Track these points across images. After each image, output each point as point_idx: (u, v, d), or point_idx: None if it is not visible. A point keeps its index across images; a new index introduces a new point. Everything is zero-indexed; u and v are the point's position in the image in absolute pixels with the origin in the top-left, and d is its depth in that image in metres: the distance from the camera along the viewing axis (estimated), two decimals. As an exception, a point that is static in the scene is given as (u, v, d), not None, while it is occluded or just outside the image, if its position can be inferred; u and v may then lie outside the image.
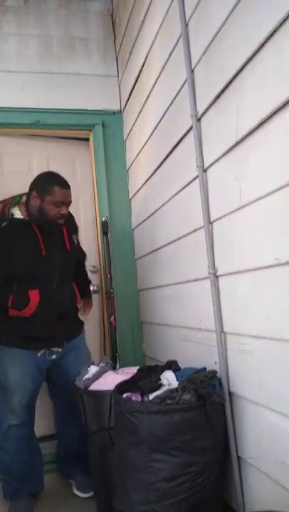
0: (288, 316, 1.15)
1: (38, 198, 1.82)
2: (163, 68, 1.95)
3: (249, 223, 1.32)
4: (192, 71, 1.63)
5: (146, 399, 1.51)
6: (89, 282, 2.38)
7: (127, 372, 1.84)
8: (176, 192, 1.86)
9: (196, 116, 1.59)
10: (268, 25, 1.13)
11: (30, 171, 2.62)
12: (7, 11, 2.63)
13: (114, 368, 2.08)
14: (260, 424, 1.32)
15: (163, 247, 2.10)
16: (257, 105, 1.22)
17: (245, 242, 1.35)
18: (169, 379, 1.59)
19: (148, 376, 1.67)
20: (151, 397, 1.49)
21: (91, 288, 2.45)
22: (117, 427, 1.49)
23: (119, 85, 2.72)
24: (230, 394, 1.49)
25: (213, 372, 1.51)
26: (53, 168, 2.62)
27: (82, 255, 2.26)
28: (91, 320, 2.64)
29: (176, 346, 1.99)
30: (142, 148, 2.34)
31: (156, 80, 2.04)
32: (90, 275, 2.58)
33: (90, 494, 1.96)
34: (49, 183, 1.84)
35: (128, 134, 2.60)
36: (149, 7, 2.10)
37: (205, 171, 1.58)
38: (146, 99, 2.21)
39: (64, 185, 1.86)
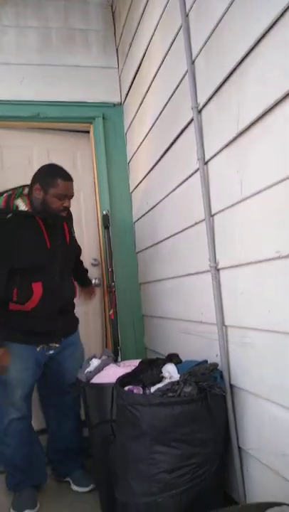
0: (289, 308, 1.15)
1: (41, 190, 1.82)
2: (163, 60, 1.93)
3: (250, 216, 1.32)
4: (193, 63, 1.62)
5: (147, 391, 1.51)
6: (86, 270, 2.40)
7: (129, 365, 1.85)
8: (177, 185, 1.86)
9: (197, 108, 1.58)
10: (268, 16, 1.11)
11: (31, 164, 2.61)
12: (5, 2, 2.60)
13: (115, 361, 2.09)
14: (261, 416, 1.33)
15: (164, 240, 2.09)
16: (258, 97, 1.21)
17: (246, 235, 1.35)
18: (170, 372, 1.60)
19: (149, 369, 1.68)
20: (152, 389, 1.50)
21: (92, 281, 2.47)
22: (119, 420, 1.50)
23: (119, 77, 2.70)
24: (232, 386, 1.49)
25: (215, 365, 1.51)
26: (54, 161, 2.62)
27: (79, 249, 2.28)
28: (92, 313, 2.65)
29: (178, 339, 2.00)
30: (142, 141, 2.33)
31: (157, 71, 2.03)
32: (91, 268, 2.59)
33: (89, 488, 1.97)
34: (52, 175, 1.83)
35: (129, 127, 2.59)
36: (149, -2, 2.08)
37: (206, 163, 1.57)
38: (147, 91, 2.19)
39: (67, 177, 1.85)
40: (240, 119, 1.30)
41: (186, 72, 1.64)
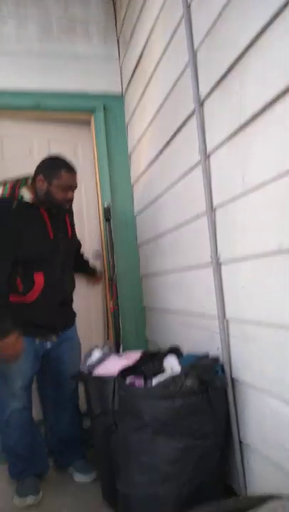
0: (291, 303, 1.15)
1: (44, 181, 1.83)
2: (164, 51, 1.91)
3: (252, 209, 1.31)
4: (194, 53, 1.59)
5: (149, 383, 1.52)
6: (88, 261, 2.45)
7: (130, 357, 1.86)
8: (179, 178, 1.84)
9: (199, 99, 1.56)
10: (272, 5, 1.10)
11: (31, 155, 2.60)
12: (5, -9, 2.56)
13: (117, 353, 2.10)
14: (261, 409, 1.34)
15: (165, 233, 2.09)
16: (261, 88, 1.19)
17: (248, 229, 1.34)
18: (171, 364, 1.61)
19: (151, 361, 1.69)
20: (154, 381, 1.51)
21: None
22: (121, 411, 1.51)
23: (120, 68, 2.67)
24: (233, 380, 1.50)
25: (216, 359, 1.52)
26: (55, 152, 2.61)
27: (79, 244, 2.31)
28: (94, 305, 2.66)
29: (179, 332, 2.01)
30: (143, 133, 2.31)
31: (158, 62, 2.00)
32: (92, 261, 2.59)
33: (91, 477, 2.00)
34: (56, 167, 1.84)
35: (130, 118, 2.57)
36: (150, -14, 2.05)
37: (208, 156, 1.56)
38: (148, 82, 2.17)
39: (71, 169, 1.86)
40: (243, 111, 1.29)
41: (188, 63, 1.62)
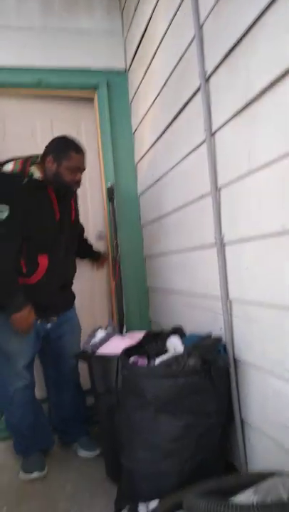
0: (295, 284, 1.15)
1: (54, 162, 1.83)
2: (170, 25, 1.85)
3: (257, 189, 1.29)
4: (200, 27, 1.54)
5: (152, 363, 1.54)
6: (92, 245, 2.46)
7: (133, 337, 1.87)
8: (183, 157, 1.81)
9: (205, 75, 1.52)
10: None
11: (34, 134, 2.57)
12: None
13: (120, 333, 2.12)
14: (263, 388, 1.35)
15: (169, 213, 2.07)
16: (269, 64, 1.16)
17: (252, 209, 1.33)
18: (174, 344, 1.62)
19: (154, 341, 1.70)
20: (157, 361, 1.52)
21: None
22: (124, 390, 1.53)
23: (124, 43, 2.60)
24: (235, 360, 1.51)
25: (219, 339, 1.53)
26: (57, 132, 2.57)
27: (82, 228, 2.35)
28: (98, 286, 2.66)
29: (182, 312, 2.01)
30: (148, 110, 2.26)
31: (163, 37, 1.94)
32: (96, 241, 2.59)
33: (96, 452, 2.05)
34: (66, 148, 1.85)
35: (134, 95, 2.51)
36: None
37: (213, 134, 1.52)
38: (152, 57, 2.11)
39: (80, 150, 1.88)
40: (250, 87, 1.25)
41: (194, 37, 1.57)
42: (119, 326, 2.48)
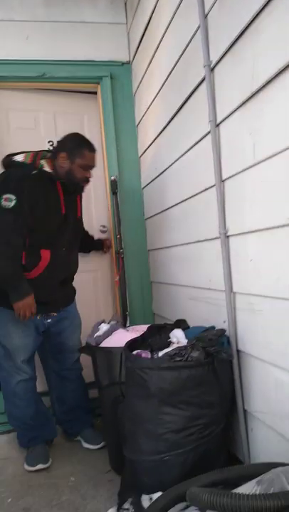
0: (299, 276, 1.14)
1: (67, 159, 1.87)
2: (174, 15, 1.83)
3: (262, 181, 1.28)
4: (205, 17, 1.52)
5: (155, 356, 1.54)
6: (93, 236, 2.47)
7: (137, 330, 1.88)
8: (187, 149, 1.80)
9: (209, 66, 1.50)
10: None
11: (37, 127, 2.56)
12: None
13: (124, 326, 2.12)
14: (266, 380, 1.35)
15: (173, 206, 2.06)
16: (275, 54, 1.14)
17: (257, 201, 1.32)
18: (178, 337, 1.62)
19: (158, 334, 1.70)
20: (160, 354, 1.52)
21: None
22: (128, 382, 1.54)
23: (128, 34, 2.58)
24: (238, 352, 1.51)
25: (222, 331, 1.53)
26: (61, 125, 2.58)
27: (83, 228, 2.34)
28: (101, 279, 2.66)
29: (186, 305, 2.01)
30: (151, 103, 2.25)
31: (167, 27, 1.92)
32: (99, 235, 2.58)
33: (100, 445, 2.05)
34: (80, 146, 1.89)
35: (137, 87, 2.50)
36: None
37: (217, 125, 1.51)
38: (156, 49, 2.10)
39: (93, 149, 1.92)
40: (255, 77, 1.24)
41: (198, 27, 1.55)
42: (123, 320, 2.48)
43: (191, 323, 1.76)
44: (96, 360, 1.83)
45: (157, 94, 2.14)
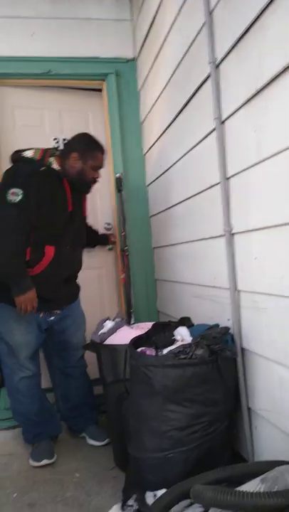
0: (304, 274, 1.13)
1: (79, 160, 1.89)
2: (179, 11, 1.82)
3: (267, 179, 1.27)
4: (210, 13, 1.52)
5: (160, 354, 1.54)
6: (97, 230, 2.47)
7: (142, 328, 1.88)
8: (192, 146, 1.80)
9: (215, 62, 1.50)
10: None
11: (43, 125, 2.57)
12: None
13: (128, 324, 2.12)
14: (270, 378, 1.35)
15: (178, 204, 2.06)
16: (280, 51, 1.13)
17: (262, 199, 1.31)
18: (182, 335, 1.62)
19: (162, 332, 1.70)
20: (165, 351, 1.52)
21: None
22: (133, 379, 1.54)
23: (133, 31, 2.57)
24: (243, 350, 1.51)
25: (226, 329, 1.52)
26: (66, 122, 2.58)
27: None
28: (106, 276, 2.67)
29: (190, 303, 2.01)
30: (156, 100, 2.24)
31: (172, 24, 1.91)
32: (104, 233, 2.58)
33: (104, 442, 2.06)
34: (92, 148, 1.92)
35: (142, 84, 2.49)
36: None
37: (222, 123, 1.51)
38: (161, 45, 2.09)
39: (104, 151, 1.96)
40: (261, 74, 1.23)
41: (204, 24, 1.55)
42: (127, 317, 2.48)
43: (196, 321, 1.76)
44: (100, 358, 1.83)
45: (162, 91, 2.13)
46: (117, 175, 2.53)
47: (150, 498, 1.34)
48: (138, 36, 2.48)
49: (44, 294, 1.88)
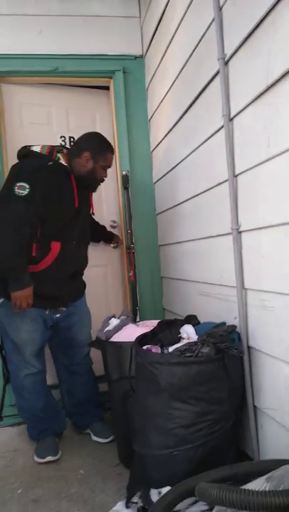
0: (313, 272, 1.12)
1: (91, 159, 1.91)
2: (188, 7, 1.81)
3: (276, 176, 1.26)
4: (220, 9, 1.50)
5: (165, 351, 1.54)
6: (104, 227, 2.49)
7: (147, 326, 1.88)
8: (200, 143, 1.79)
9: (224, 59, 1.48)
10: None
11: (50, 122, 2.57)
12: None
13: (134, 321, 2.12)
14: (277, 377, 1.34)
15: (185, 201, 2.05)
16: (290, 46, 1.12)
17: (271, 197, 1.30)
18: (188, 333, 1.61)
19: (168, 329, 1.70)
20: (170, 349, 1.52)
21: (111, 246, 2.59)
22: (138, 377, 1.54)
23: (141, 28, 2.57)
24: (249, 348, 1.50)
25: (233, 327, 1.52)
26: (73, 120, 2.58)
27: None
28: (111, 274, 2.67)
29: (196, 301, 2.00)
30: (164, 97, 2.23)
31: (181, 20, 1.90)
32: (110, 230, 2.58)
33: (110, 438, 2.06)
34: (104, 148, 1.95)
35: (150, 81, 2.48)
36: None
37: (231, 120, 1.49)
38: (170, 42, 2.08)
39: (113, 151, 1.99)
40: (271, 70, 1.22)
41: (213, 20, 1.53)
42: (133, 315, 2.48)
43: (202, 319, 1.76)
44: (106, 355, 1.83)
45: (170, 88, 2.12)
46: (124, 172, 2.53)
47: (154, 495, 1.33)
48: (146, 33, 2.48)
49: (50, 291, 1.88)
